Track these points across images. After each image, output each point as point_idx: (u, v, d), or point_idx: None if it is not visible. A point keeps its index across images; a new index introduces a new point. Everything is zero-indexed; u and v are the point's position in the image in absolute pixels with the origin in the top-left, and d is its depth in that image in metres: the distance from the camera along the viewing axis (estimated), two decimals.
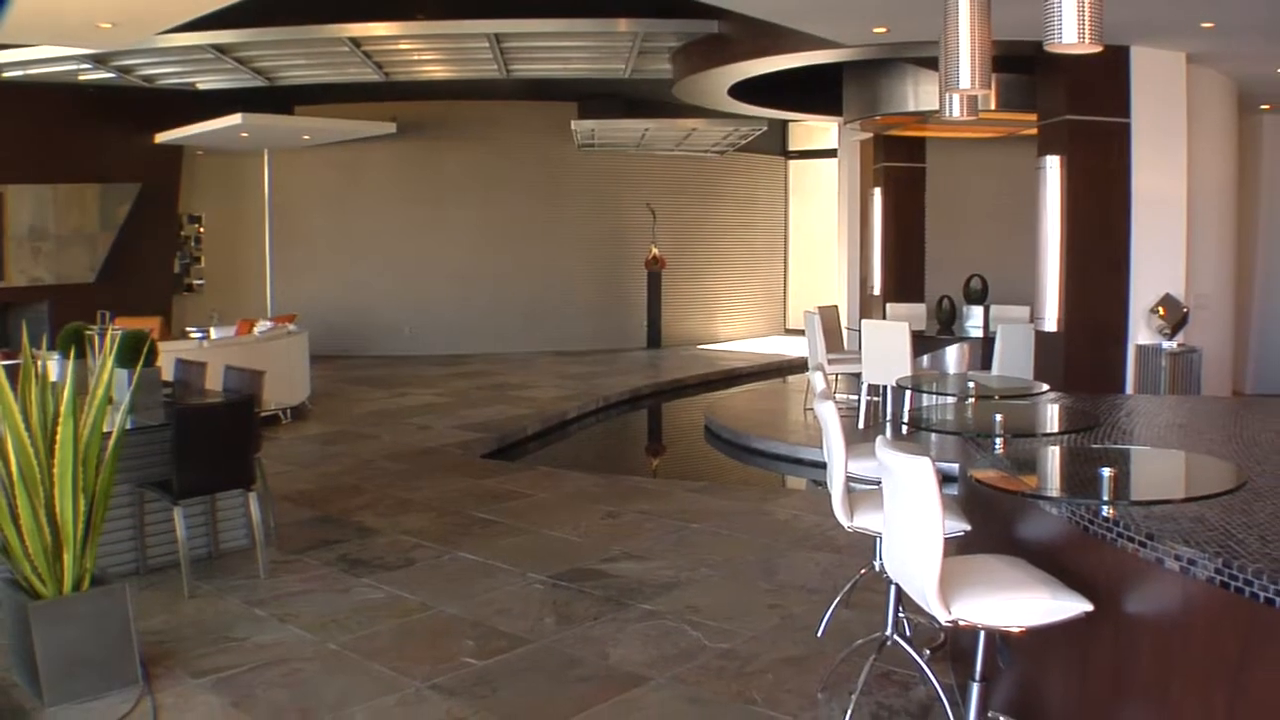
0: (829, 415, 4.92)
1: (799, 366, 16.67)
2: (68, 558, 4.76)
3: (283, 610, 5.94)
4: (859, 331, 11.39)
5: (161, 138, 16.67)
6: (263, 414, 7.25)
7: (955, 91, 4.89)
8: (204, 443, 6.22)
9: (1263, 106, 13.48)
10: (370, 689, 4.87)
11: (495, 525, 7.78)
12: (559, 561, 6.85)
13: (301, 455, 10.29)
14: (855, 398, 11.59)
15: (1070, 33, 3.97)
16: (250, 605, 6.02)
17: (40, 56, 12.59)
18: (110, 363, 5.16)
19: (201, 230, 18.41)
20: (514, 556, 6.97)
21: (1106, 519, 3.32)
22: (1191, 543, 2.98)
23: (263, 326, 12.66)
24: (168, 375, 7.79)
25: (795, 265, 22.68)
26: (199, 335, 12.53)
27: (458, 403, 13.49)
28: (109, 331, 7.35)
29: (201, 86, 15.34)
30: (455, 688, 4.89)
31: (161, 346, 7.49)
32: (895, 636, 4.73)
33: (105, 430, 5.02)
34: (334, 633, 5.59)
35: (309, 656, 5.26)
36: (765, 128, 17.56)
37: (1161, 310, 10.25)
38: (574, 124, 17.33)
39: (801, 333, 13.74)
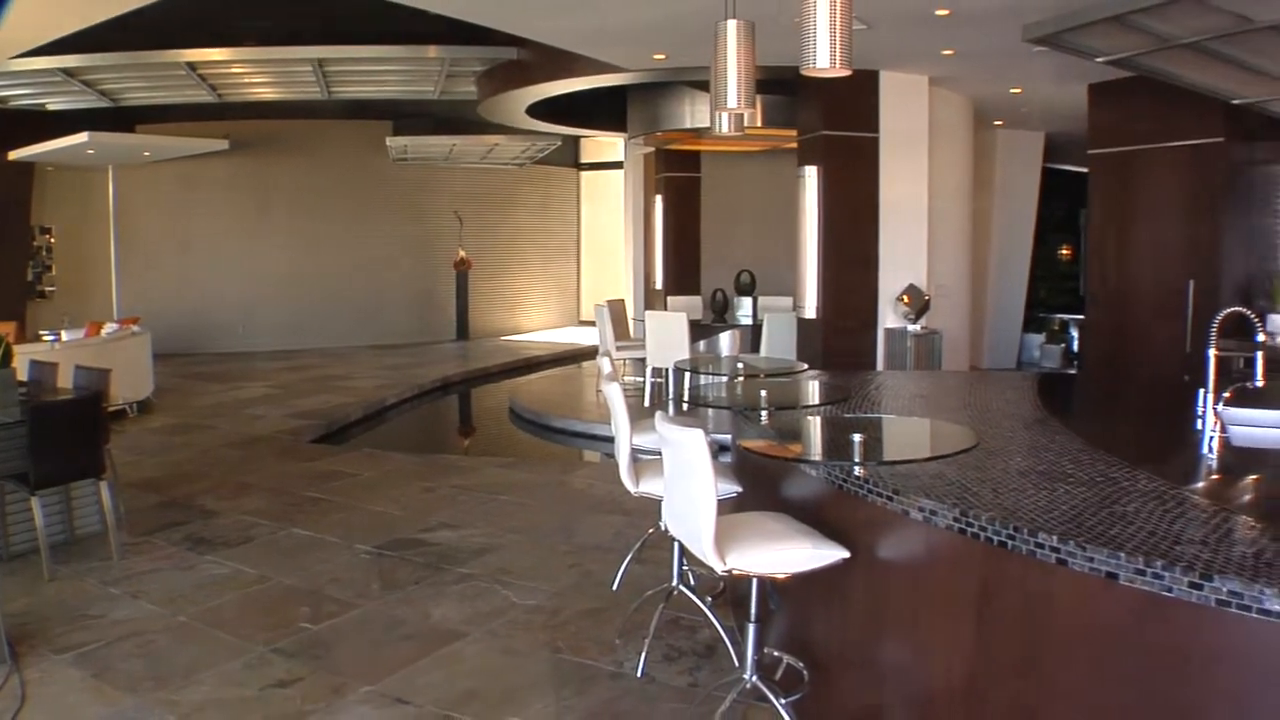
0: (616, 395, 4.89)
1: (591, 353, 16.66)
2: None
3: (135, 588, 5.67)
4: (643, 321, 11.43)
5: (14, 155, 15.64)
6: (111, 409, 6.95)
7: (724, 110, 4.88)
8: (57, 437, 5.96)
9: (996, 122, 14.06)
10: (217, 655, 4.70)
11: (325, 503, 7.52)
12: (383, 533, 6.69)
13: (147, 446, 9.75)
14: (641, 380, 11.62)
15: (823, 59, 3.97)
16: (105, 585, 5.73)
17: None
18: None
19: (52, 240, 17.28)
20: (342, 530, 6.77)
21: (859, 478, 3.35)
22: (933, 496, 3.03)
23: (110, 328, 11.93)
24: (23, 375, 7.37)
25: (587, 264, 22.72)
26: (51, 338, 11.73)
27: (288, 394, 12.99)
28: None
29: (51, 107, 14.71)
30: (294, 650, 4.76)
31: (16, 349, 7.11)
32: (681, 587, 4.74)
33: None
34: (183, 606, 5.38)
35: (160, 629, 5.05)
36: (560, 143, 17.49)
37: (906, 298, 10.58)
38: (389, 140, 17.17)
39: (593, 323, 13.71)
